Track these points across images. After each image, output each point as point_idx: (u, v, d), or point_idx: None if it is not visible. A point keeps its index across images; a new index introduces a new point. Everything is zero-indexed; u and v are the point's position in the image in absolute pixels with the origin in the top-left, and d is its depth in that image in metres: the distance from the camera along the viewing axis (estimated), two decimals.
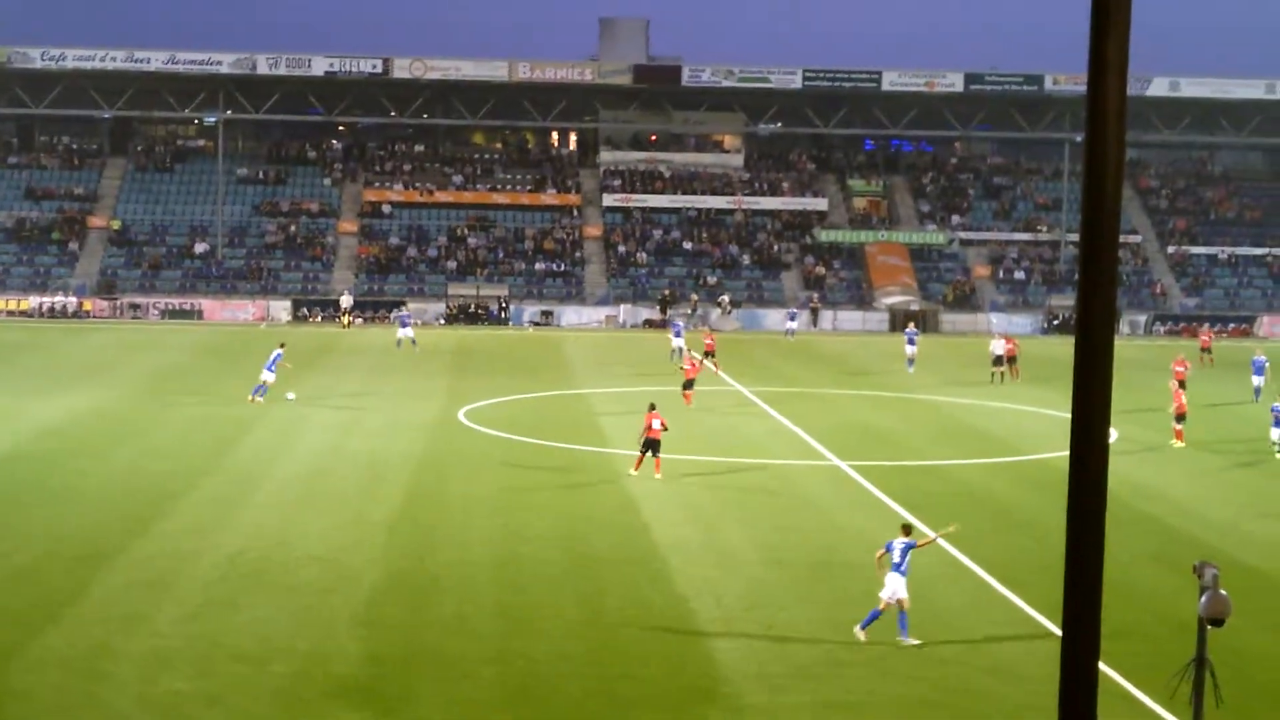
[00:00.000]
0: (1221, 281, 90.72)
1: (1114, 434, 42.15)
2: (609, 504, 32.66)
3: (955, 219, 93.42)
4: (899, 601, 22.51)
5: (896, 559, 22.88)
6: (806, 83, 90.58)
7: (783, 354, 66.34)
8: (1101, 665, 20.06)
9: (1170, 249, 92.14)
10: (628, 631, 22.92)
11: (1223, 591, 13.79)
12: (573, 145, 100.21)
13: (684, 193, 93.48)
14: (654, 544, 28.75)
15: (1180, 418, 42.11)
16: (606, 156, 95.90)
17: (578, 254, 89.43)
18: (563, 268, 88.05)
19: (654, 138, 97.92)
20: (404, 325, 66.16)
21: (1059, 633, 8.97)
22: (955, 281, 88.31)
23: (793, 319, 77.94)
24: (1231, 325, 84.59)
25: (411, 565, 26.80)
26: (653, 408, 36.23)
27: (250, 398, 46.57)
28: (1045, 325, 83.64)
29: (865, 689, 20.50)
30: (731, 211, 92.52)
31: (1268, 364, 52.05)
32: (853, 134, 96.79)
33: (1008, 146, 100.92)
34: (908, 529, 23.88)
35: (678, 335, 63.07)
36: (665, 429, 35.46)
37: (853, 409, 49.47)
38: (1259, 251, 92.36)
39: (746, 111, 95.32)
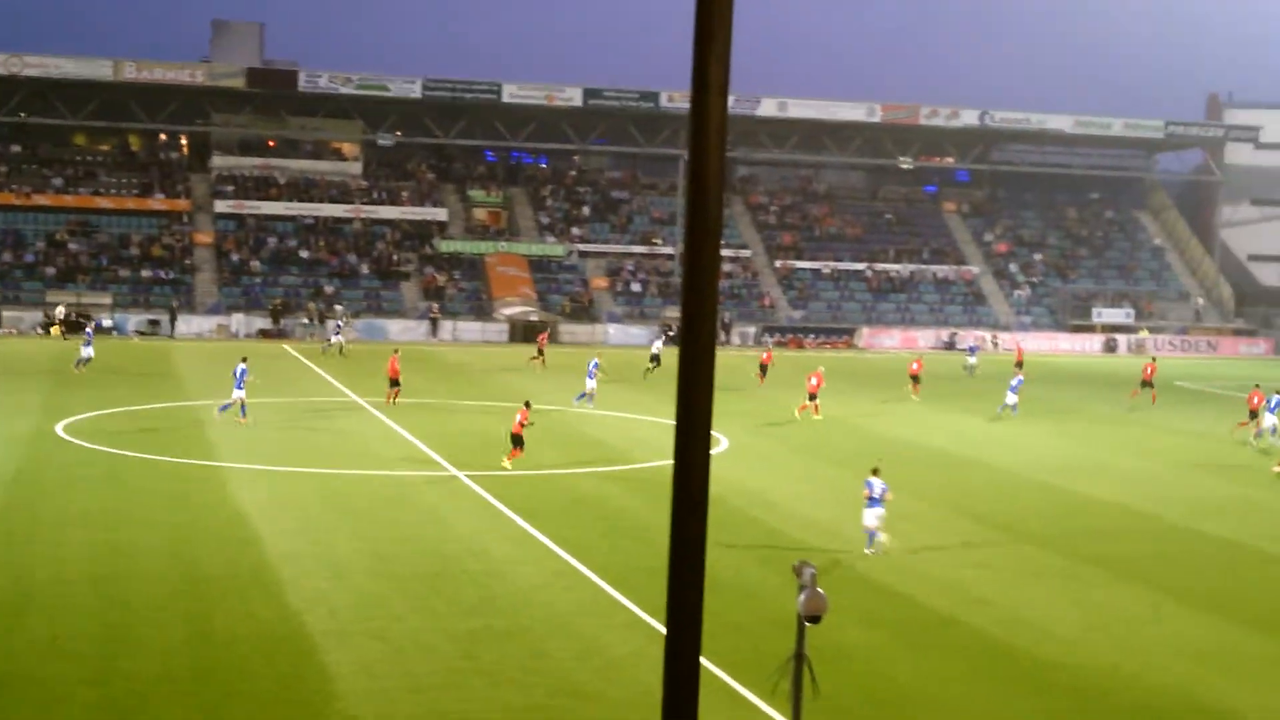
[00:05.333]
0: (825, 295, 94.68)
1: (724, 441, 43.52)
2: (218, 517, 31.72)
3: (574, 231, 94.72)
4: (877, 527, 29.77)
5: (876, 495, 29.62)
6: (427, 92, 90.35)
7: (402, 363, 65.79)
8: (707, 663, 20.51)
9: (778, 263, 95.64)
10: (238, 648, 22.26)
11: (820, 590, 14.30)
12: (183, 149, 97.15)
13: (300, 200, 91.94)
14: (265, 557, 28.06)
15: (812, 396, 51.27)
16: (219, 161, 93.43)
17: (187, 261, 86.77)
18: (171, 275, 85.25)
19: (272, 143, 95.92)
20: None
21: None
22: (574, 293, 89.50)
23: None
24: (834, 337, 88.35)
25: (4, 585, 25.39)
26: (527, 405, 39.74)
27: (240, 419, 44.77)
28: (661, 337, 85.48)
29: (479, 698, 20.45)
30: (350, 220, 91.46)
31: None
32: (473, 145, 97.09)
33: (625, 161, 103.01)
34: (877, 470, 30.13)
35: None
36: (526, 425, 38.88)
37: (471, 419, 49.50)
38: (859, 266, 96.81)
39: (366, 119, 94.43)
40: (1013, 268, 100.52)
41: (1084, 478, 41.27)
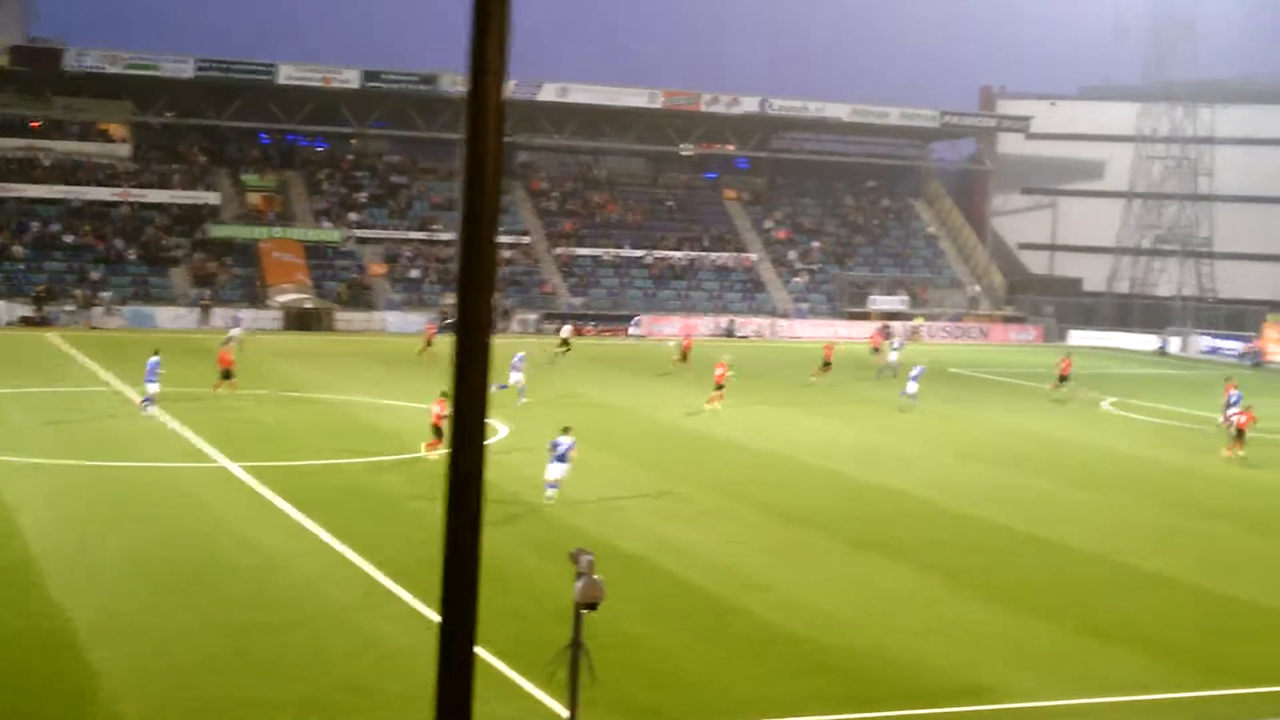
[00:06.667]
0: (606, 281, 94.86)
1: (504, 430, 43.32)
2: None
3: (351, 216, 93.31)
4: (558, 480, 33.18)
5: (560, 452, 32.98)
6: (199, 72, 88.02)
7: (172, 353, 64.09)
8: (484, 653, 20.29)
9: (558, 250, 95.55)
10: None
11: (597, 577, 14.23)
12: None
13: (66, 183, 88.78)
14: (28, 552, 27.07)
15: (719, 386, 51.56)
16: None
17: None
18: None
19: (35, 124, 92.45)
20: None
21: None
22: (351, 280, 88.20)
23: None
24: (615, 324, 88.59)
25: None
26: (444, 395, 38.64)
27: (142, 411, 44.16)
28: (440, 324, 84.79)
29: (251, 693, 19.98)
30: (118, 204, 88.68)
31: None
32: (247, 127, 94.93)
33: (404, 145, 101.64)
34: (567, 429, 33.65)
35: None
36: (444, 416, 37.89)
37: (244, 409, 48.29)
38: (639, 253, 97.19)
39: (135, 100, 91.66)
40: (791, 255, 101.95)
41: (864, 464, 41.98)
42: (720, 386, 51.55)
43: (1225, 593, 28.49)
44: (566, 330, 72.21)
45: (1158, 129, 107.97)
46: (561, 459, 33.26)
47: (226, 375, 49.82)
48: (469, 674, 9.42)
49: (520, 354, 53.11)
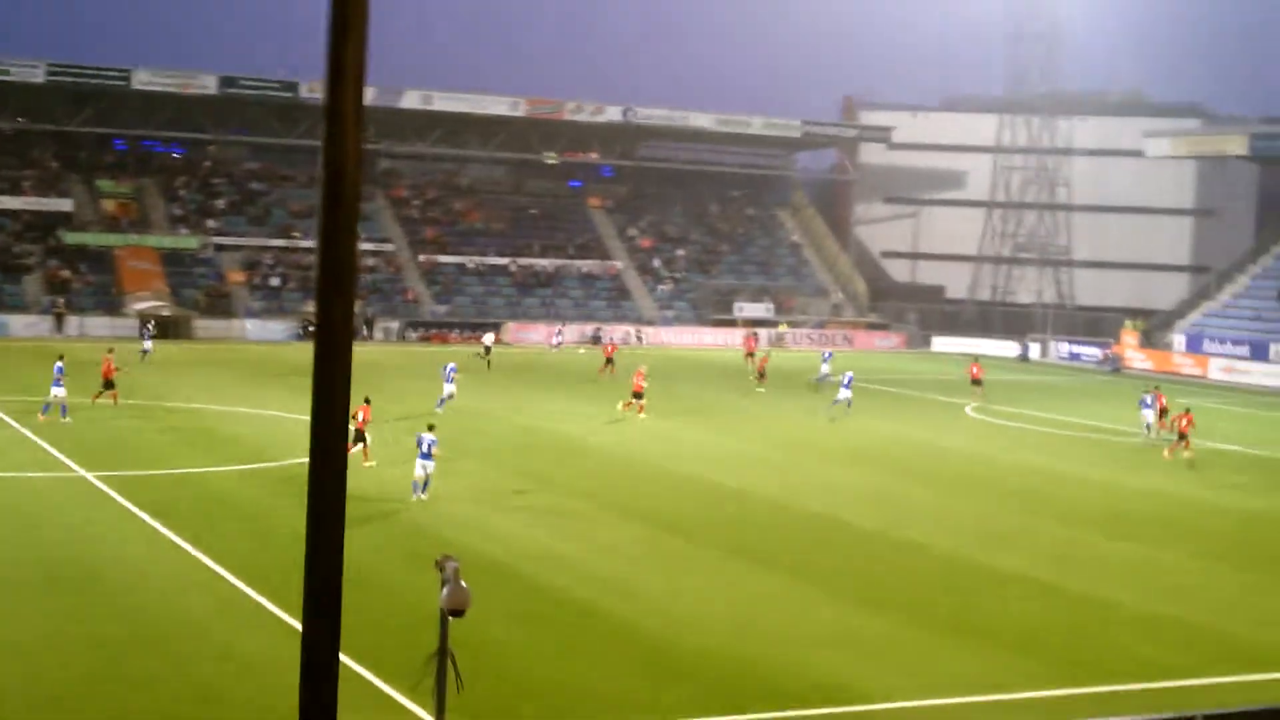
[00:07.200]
0: (470, 289, 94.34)
1: (369, 438, 42.79)
2: None
3: (210, 223, 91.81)
4: (425, 475, 33.94)
5: (424, 450, 33.78)
6: (50, 77, 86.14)
7: (30, 361, 62.59)
8: (349, 661, 19.97)
9: (421, 257, 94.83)
10: None
11: (463, 584, 14.04)
12: None
13: None
14: None
15: (638, 395, 51.77)
16: None
17: None
18: None
19: None
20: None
21: None
22: (209, 287, 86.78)
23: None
24: (479, 332, 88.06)
25: None
26: (366, 401, 39.47)
27: (40, 415, 44.63)
28: (301, 332, 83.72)
29: (115, 706, 19.61)
30: None
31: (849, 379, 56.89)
32: (102, 133, 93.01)
33: (264, 152, 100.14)
34: (432, 427, 34.69)
35: None
36: (367, 422, 38.78)
37: (103, 418, 47.16)
38: (503, 261, 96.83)
39: None
40: (656, 263, 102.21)
41: (731, 470, 42.05)
42: (639, 395, 51.81)
43: (1083, 591, 28.94)
44: (489, 338, 72.89)
45: (1016, 140, 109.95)
46: (427, 456, 33.89)
47: (109, 385, 48.54)
48: (332, 682, 9.23)
49: (451, 364, 53.25)
